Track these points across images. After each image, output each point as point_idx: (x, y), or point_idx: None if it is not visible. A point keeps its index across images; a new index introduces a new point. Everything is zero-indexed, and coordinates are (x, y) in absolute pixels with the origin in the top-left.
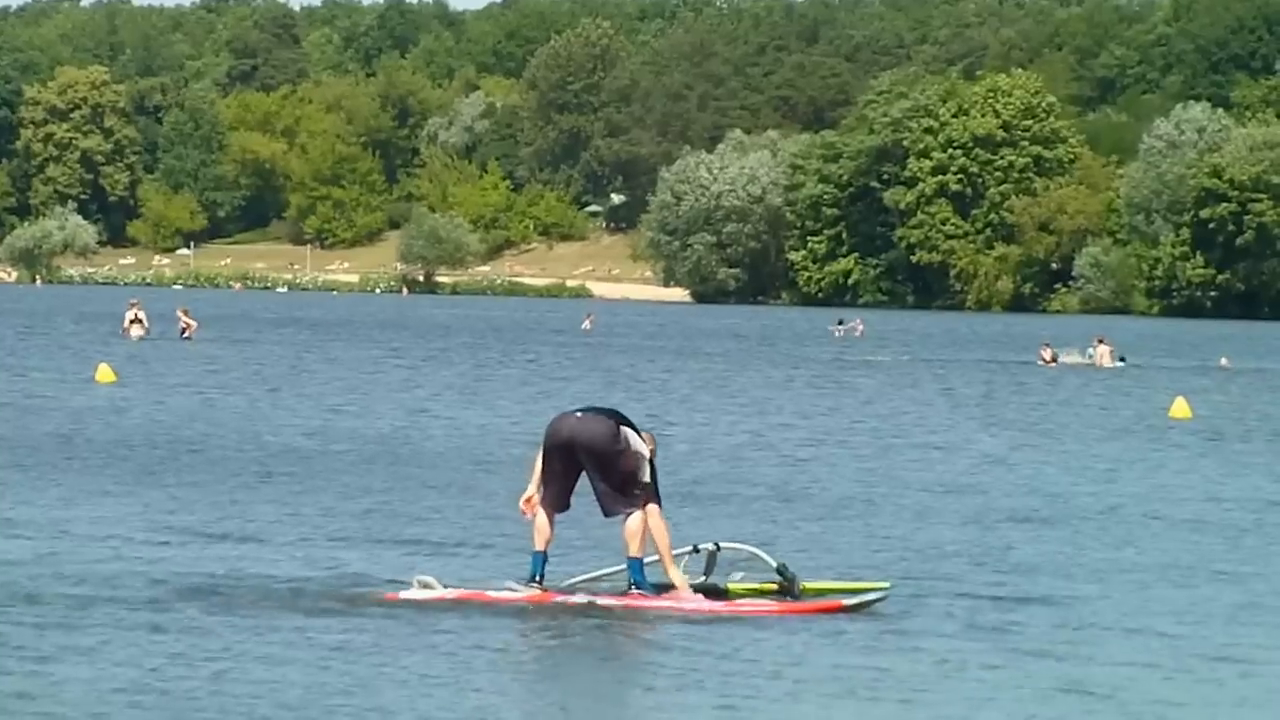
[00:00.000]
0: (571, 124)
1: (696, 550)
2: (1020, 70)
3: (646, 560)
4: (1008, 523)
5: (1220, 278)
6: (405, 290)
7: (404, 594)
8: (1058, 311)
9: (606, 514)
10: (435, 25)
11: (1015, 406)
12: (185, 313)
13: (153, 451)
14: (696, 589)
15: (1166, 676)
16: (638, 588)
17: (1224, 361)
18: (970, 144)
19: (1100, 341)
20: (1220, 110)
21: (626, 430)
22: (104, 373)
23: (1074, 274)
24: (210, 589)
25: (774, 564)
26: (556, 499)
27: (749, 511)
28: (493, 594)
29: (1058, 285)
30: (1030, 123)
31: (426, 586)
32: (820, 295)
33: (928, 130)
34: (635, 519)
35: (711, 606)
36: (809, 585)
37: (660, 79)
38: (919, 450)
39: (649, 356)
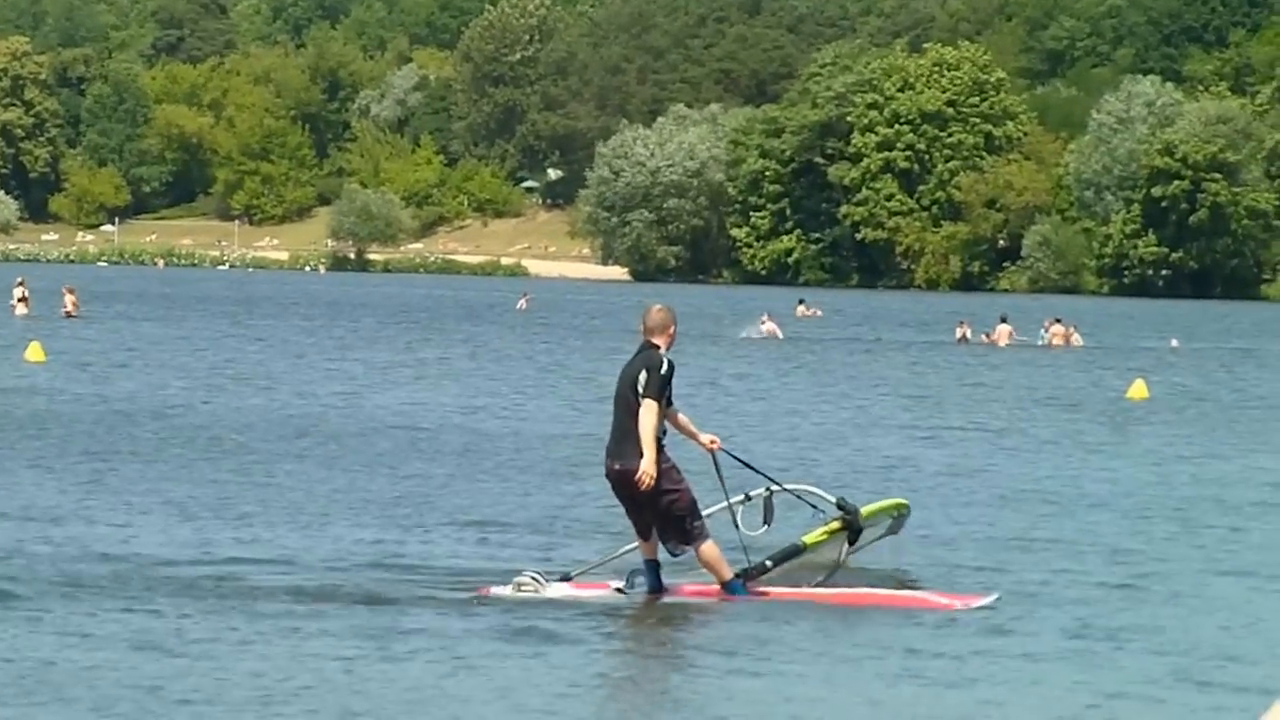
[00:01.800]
0: (507, 97)
1: (749, 498)
2: (968, 43)
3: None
4: (1015, 510)
5: (1173, 256)
6: (322, 269)
7: (501, 592)
8: (1006, 290)
9: (672, 554)
10: None
11: (978, 390)
12: (70, 291)
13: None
14: (775, 558)
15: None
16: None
17: (1174, 343)
18: (917, 119)
19: (1056, 321)
20: (1170, 84)
21: (670, 456)
22: (34, 351)
23: (1022, 253)
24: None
25: (833, 499)
26: (641, 528)
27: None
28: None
29: (1006, 264)
30: (978, 99)
31: (525, 586)
32: (763, 273)
33: (872, 105)
34: (706, 549)
35: (798, 592)
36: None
37: (598, 51)
38: (868, 433)
39: (589, 337)
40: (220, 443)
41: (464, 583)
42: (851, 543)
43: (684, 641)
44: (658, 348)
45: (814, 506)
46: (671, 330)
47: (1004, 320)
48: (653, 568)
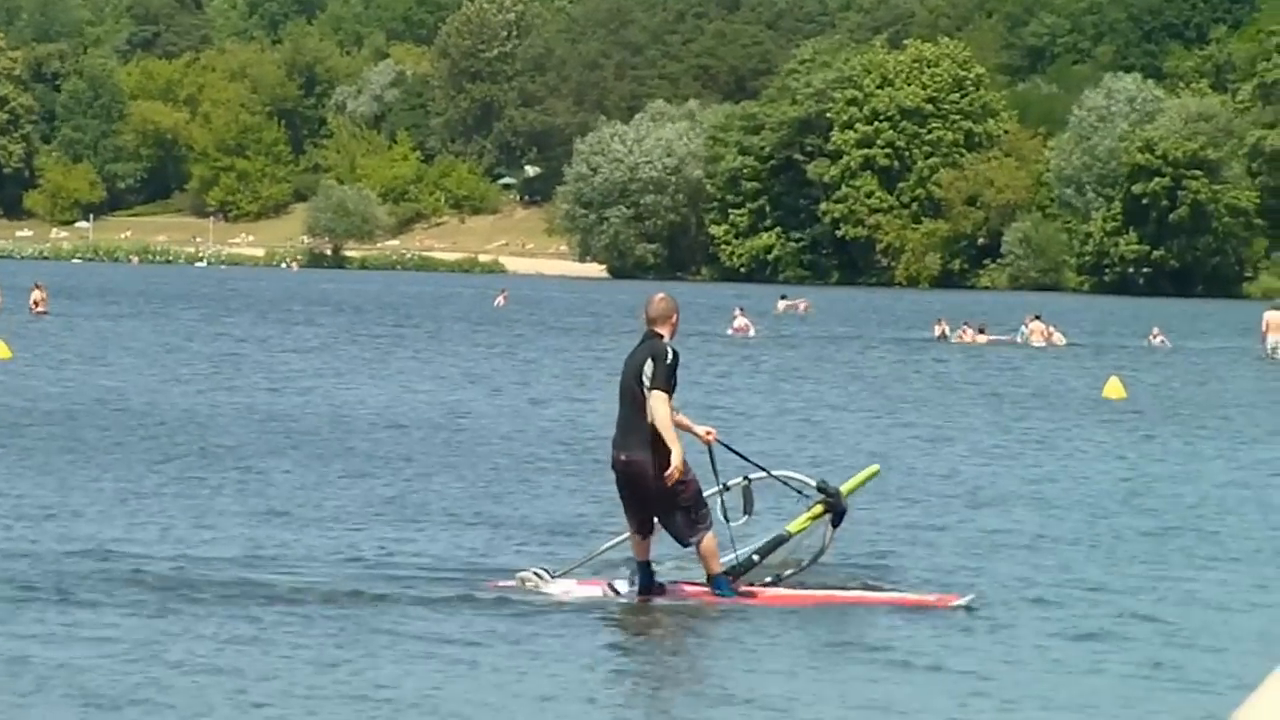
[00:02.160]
0: (484, 93)
1: (727, 488)
2: (948, 39)
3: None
4: (991, 509)
5: (1154, 254)
6: (295, 266)
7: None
8: (986, 288)
9: (682, 545)
10: None
11: (956, 388)
12: (39, 288)
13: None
14: (761, 550)
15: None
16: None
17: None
18: (897, 116)
19: (1036, 318)
20: (1151, 81)
21: (681, 457)
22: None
23: (1002, 250)
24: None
25: (813, 482)
26: (639, 525)
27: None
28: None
29: (986, 261)
30: (958, 96)
31: (529, 582)
32: (742, 270)
33: (852, 101)
34: (707, 541)
35: (786, 595)
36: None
37: (576, 47)
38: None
39: (566, 334)
40: (202, 440)
41: (449, 579)
42: (835, 525)
43: (674, 641)
44: (661, 337)
45: (799, 492)
46: (674, 319)
47: (981, 330)
48: (645, 568)
